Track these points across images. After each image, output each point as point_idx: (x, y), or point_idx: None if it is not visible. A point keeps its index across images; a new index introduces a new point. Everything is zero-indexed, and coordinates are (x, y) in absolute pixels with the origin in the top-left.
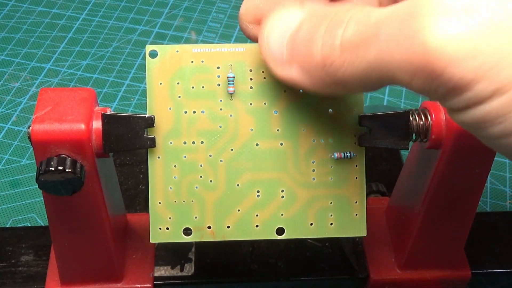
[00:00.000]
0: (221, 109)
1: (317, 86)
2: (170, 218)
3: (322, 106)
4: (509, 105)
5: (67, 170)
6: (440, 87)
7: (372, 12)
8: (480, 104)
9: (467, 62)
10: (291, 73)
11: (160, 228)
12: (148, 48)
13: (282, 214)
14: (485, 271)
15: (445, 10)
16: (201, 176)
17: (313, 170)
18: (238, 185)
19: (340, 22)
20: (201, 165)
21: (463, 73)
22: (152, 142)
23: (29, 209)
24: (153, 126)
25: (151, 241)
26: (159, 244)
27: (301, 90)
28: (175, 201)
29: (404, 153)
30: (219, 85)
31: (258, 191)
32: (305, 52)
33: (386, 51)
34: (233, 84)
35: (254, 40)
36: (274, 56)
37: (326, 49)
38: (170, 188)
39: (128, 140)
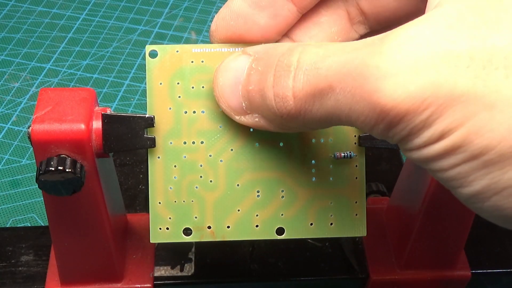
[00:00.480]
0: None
1: (282, 130)
2: (170, 218)
3: None
4: (446, 147)
5: (67, 170)
6: (396, 135)
7: (320, 63)
8: (427, 146)
9: (417, 115)
10: (255, 120)
11: (160, 228)
12: (148, 48)
13: (282, 214)
14: (485, 271)
15: (394, 72)
16: (201, 176)
17: (313, 170)
18: (238, 185)
19: (287, 70)
20: (201, 165)
21: (414, 123)
22: (152, 142)
23: (29, 209)
24: (153, 126)
25: (151, 241)
26: (159, 244)
27: None
28: (175, 201)
29: None
30: None
31: (258, 191)
32: (261, 103)
33: (344, 104)
34: None
35: None
36: (234, 108)
37: (279, 101)
38: (170, 188)
39: (128, 140)
